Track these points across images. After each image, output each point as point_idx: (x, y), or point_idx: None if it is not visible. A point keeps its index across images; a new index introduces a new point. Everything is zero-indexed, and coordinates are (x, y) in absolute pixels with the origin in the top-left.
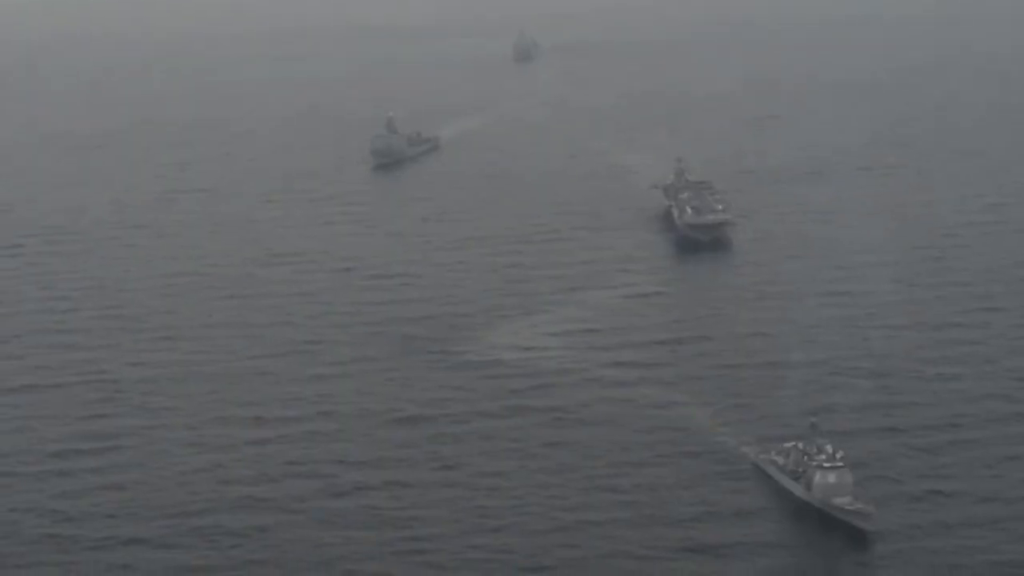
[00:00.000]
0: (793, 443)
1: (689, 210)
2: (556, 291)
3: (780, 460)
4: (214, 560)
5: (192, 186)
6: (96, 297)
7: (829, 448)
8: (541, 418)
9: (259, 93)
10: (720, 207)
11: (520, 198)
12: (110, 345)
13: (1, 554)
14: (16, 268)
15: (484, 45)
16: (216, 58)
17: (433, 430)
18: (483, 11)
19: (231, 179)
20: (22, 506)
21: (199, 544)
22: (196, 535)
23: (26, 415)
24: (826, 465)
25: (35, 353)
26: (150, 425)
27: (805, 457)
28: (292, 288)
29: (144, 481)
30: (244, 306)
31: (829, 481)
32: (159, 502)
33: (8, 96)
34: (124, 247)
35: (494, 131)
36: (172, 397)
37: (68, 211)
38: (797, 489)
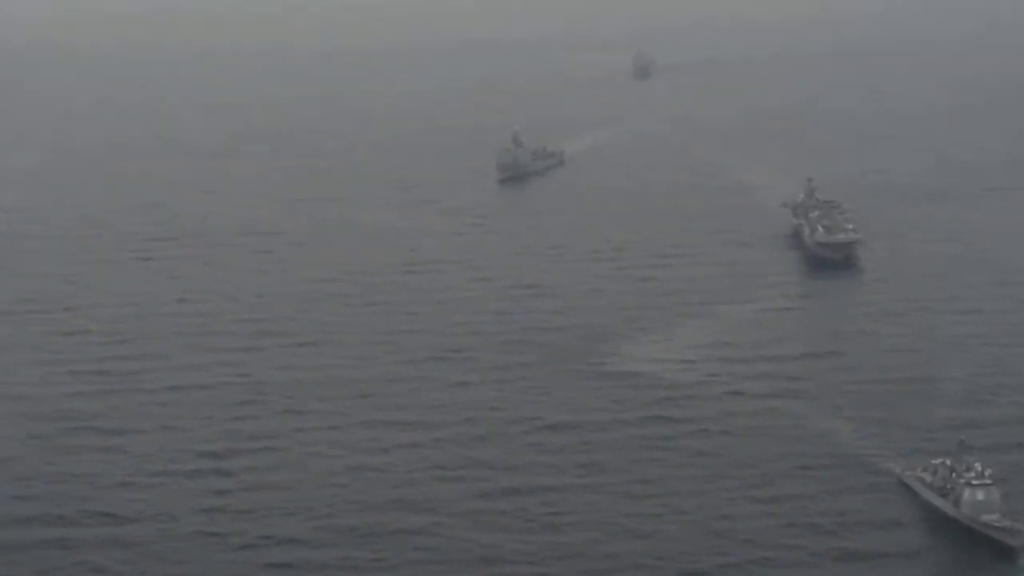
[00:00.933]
0: (941, 460)
1: (820, 229)
2: (690, 304)
3: (927, 477)
4: (368, 560)
5: (321, 194)
6: (234, 301)
7: (978, 466)
8: (684, 428)
9: (383, 104)
10: (850, 226)
11: (647, 213)
12: (252, 348)
13: (158, 551)
14: (152, 271)
15: (601, 61)
16: (341, 70)
17: (578, 438)
18: (598, 26)
19: (360, 188)
20: (177, 504)
21: (353, 544)
22: (350, 535)
23: (175, 415)
24: (975, 483)
25: (179, 355)
26: (298, 427)
27: (953, 474)
28: (429, 297)
29: (295, 482)
30: (383, 313)
31: (978, 498)
32: (311, 502)
33: (135, 103)
34: (257, 253)
35: (618, 146)
36: (317, 400)
37: (197, 216)
38: (945, 506)
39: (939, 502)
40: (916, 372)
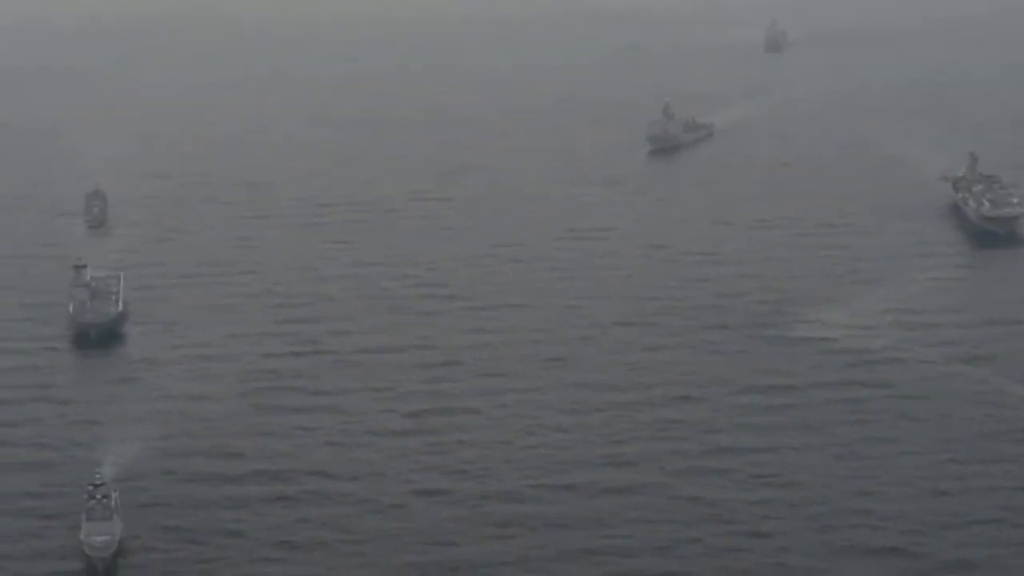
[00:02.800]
0: None
1: (986, 203)
2: (862, 272)
3: None
4: (588, 518)
5: (477, 163)
6: (410, 266)
7: None
8: (880, 392)
9: (524, 76)
10: (1015, 200)
11: (803, 185)
12: (436, 312)
13: (380, 505)
14: (322, 236)
15: (732, 34)
16: (476, 41)
17: (777, 400)
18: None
19: (511, 158)
20: (389, 463)
21: (572, 501)
22: (567, 493)
23: (372, 376)
24: None
25: (363, 318)
26: (496, 389)
27: None
28: (602, 262)
29: (501, 441)
30: (559, 279)
31: None
32: (523, 462)
33: (285, 75)
34: (423, 220)
35: (763, 119)
36: (511, 363)
37: (359, 184)
38: None
39: None
40: None
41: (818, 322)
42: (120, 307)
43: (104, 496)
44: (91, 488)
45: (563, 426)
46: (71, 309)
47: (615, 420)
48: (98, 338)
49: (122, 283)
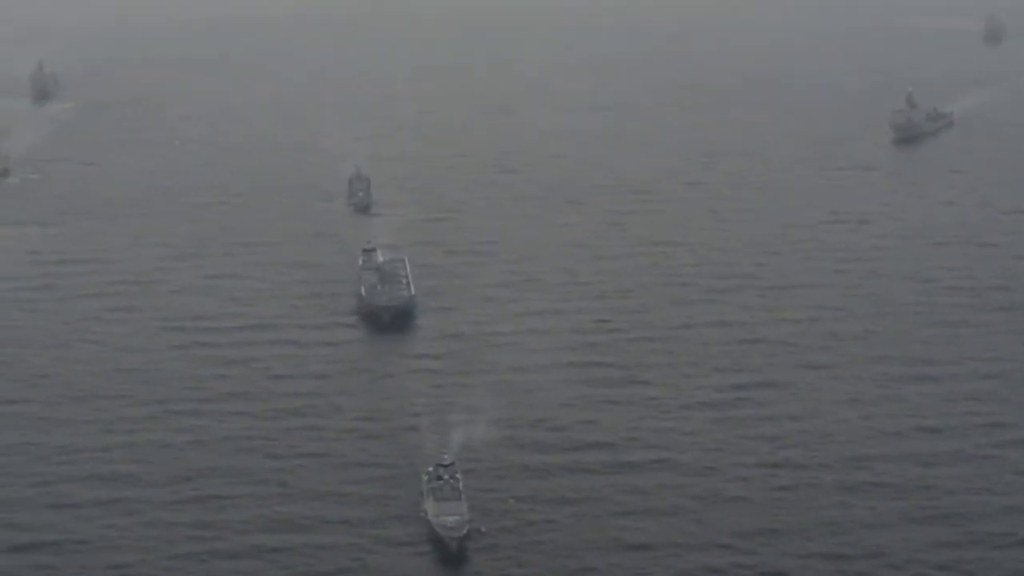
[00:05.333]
0: None
1: None
2: None
3: None
4: (921, 482)
5: (722, 148)
6: (686, 249)
7: None
8: None
9: (758, 62)
10: None
11: None
12: (726, 292)
13: (724, 476)
14: (590, 219)
15: (948, 22)
16: (713, 26)
17: None
18: None
19: (758, 142)
20: (720, 434)
21: (902, 469)
22: (898, 462)
23: (692, 353)
24: None
25: (659, 297)
26: (803, 364)
27: None
28: (871, 245)
29: (820, 414)
30: (834, 261)
31: None
32: (852, 432)
33: (517, 67)
34: (681, 203)
35: (998, 109)
36: (812, 339)
37: (607, 169)
38: None
39: None
40: None
41: None
42: (412, 290)
43: (452, 476)
44: (438, 468)
45: (878, 399)
46: (363, 291)
47: (926, 393)
48: (391, 320)
49: (408, 266)
